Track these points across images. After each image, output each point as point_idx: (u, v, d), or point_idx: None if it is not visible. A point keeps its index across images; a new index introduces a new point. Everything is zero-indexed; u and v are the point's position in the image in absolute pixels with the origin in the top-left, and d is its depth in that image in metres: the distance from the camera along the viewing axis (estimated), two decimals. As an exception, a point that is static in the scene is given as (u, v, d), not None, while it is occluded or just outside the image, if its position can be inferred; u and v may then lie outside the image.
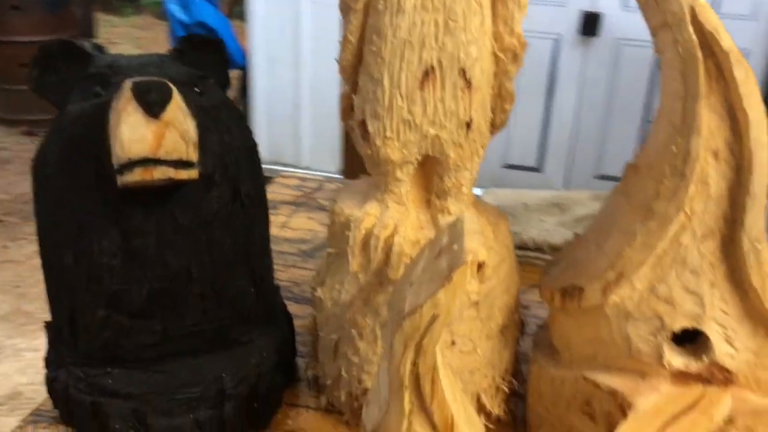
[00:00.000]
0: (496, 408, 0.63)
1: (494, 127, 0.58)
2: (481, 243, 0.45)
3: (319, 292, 0.64)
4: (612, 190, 0.59)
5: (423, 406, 0.47)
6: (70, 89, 0.59)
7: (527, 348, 0.65)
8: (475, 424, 0.48)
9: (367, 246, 0.59)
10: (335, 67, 0.58)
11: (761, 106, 0.45)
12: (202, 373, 0.60)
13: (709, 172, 0.47)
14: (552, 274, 0.60)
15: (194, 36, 0.64)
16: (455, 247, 0.44)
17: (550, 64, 2.77)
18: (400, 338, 0.44)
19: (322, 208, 1.11)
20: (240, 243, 0.61)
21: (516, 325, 0.64)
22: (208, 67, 0.63)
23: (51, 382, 0.62)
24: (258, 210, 0.63)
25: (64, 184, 0.57)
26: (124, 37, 4.79)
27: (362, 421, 0.51)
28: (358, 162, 0.63)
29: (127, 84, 0.51)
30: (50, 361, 0.64)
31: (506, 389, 0.63)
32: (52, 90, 0.60)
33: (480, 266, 0.43)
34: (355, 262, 0.59)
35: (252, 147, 0.63)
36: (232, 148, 0.60)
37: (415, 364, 0.45)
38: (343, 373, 0.63)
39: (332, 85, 2.48)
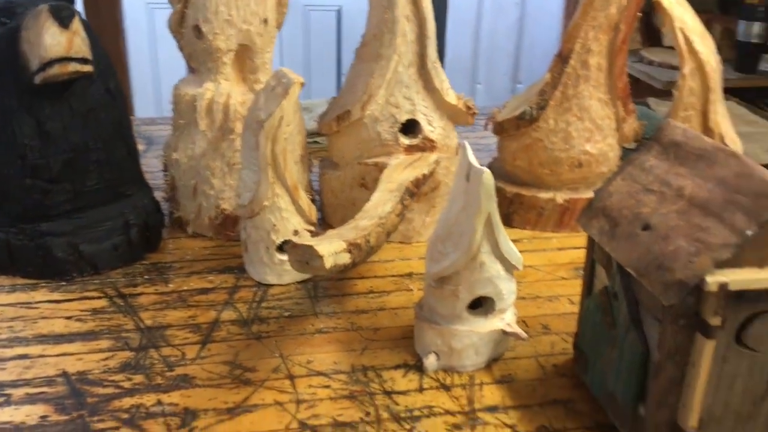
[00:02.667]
0: (305, 211, 0.98)
1: (278, 26, 0.92)
2: (298, 76, 0.79)
3: (175, 155, 0.93)
4: (350, 68, 0.96)
5: (279, 177, 0.80)
6: (-29, 25, 0.79)
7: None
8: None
9: (210, 111, 0.89)
10: None
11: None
12: (111, 213, 0.86)
13: (405, 28, 0.86)
14: (326, 116, 0.96)
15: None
16: (284, 80, 0.78)
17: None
18: (263, 135, 0.77)
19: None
20: (116, 123, 0.87)
21: (308, 156, 1.00)
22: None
23: (-13, 245, 0.83)
24: (122, 101, 0.89)
25: (-14, 89, 0.78)
26: None
27: (238, 205, 0.83)
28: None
29: (44, 7, 0.75)
30: (-21, 233, 0.84)
31: (309, 196, 0.99)
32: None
33: (302, 84, 0.77)
34: (203, 123, 0.90)
35: (108, 56, 0.89)
36: (101, 56, 0.86)
37: (272, 150, 0.78)
38: (204, 204, 0.93)
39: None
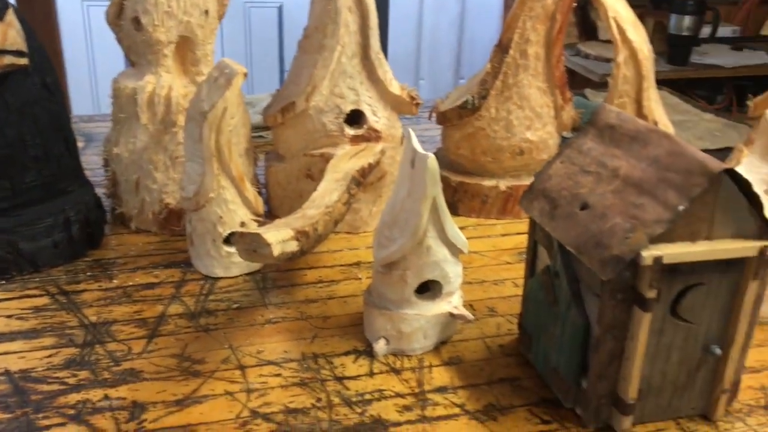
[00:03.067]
0: (251, 204, 0.98)
1: (219, 17, 0.92)
2: (241, 66, 0.79)
3: (116, 150, 0.91)
4: (293, 60, 0.96)
5: (224, 168, 0.80)
6: None
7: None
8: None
9: (151, 104, 0.88)
10: None
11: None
12: (51, 210, 0.84)
13: (348, 19, 0.87)
14: (270, 109, 0.95)
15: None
16: (227, 71, 0.78)
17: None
18: (206, 126, 0.77)
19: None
20: (54, 117, 0.85)
21: (253, 150, 0.99)
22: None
23: None
24: (59, 94, 0.87)
25: None
26: None
27: (182, 198, 0.82)
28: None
29: (-25, -3, 0.73)
30: None
31: (256, 189, 0.98)
32: None
33: (245, 74, 0.77)
34: (144, 117, 0.88)
35: (44, 48, 0.87)
36: (36, 49, 0.84)
37: (216, 141, 0.78)
38: (147, 199, 0.92)
39: None
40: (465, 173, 1.01)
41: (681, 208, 0.53)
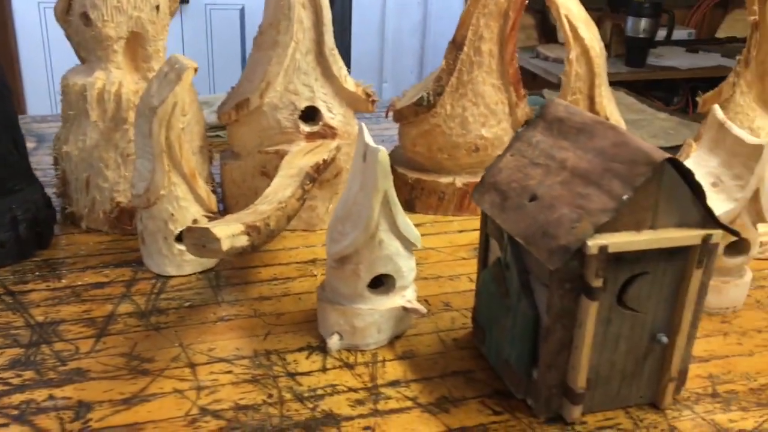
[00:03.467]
0: (206, 202, 0.97)
1: (171, 13, 0.91)
2: (191, 61, 0.78)
3: (65, 148, 0.90)
4: (248, 57, 0.96)
5: (175, 165, 0.79)
6: None
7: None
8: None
9: (101, 100, 0.86)
10: None
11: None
12: (-3, 208, 0.82)
13: (302, 15, 0.86)
14: (225, 106, 0.94)
15: None
16: (177, 66, 0.77)
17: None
18: (156, 121, 0.76)
19: None
20: (2, 116, 0.83)
21: (208, 147, 0.98)
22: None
23: None
24: (8, 92, 0.85)
25: None
26: None
27: (133, 195, 0.81)
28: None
29: None
30: None
31: (210, 187, 0.97)
32: None
33: (196, 69, 0.76)
34: (94, 114, 0.87)
35: (-10, 46, 0.85)
36: (-19, 45, 0.82)
37: (167, 137, 0.77)
38: (98, 198, 0.90)
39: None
40: (422, 170, 1.01)
41: (625, 197, 0.54)
